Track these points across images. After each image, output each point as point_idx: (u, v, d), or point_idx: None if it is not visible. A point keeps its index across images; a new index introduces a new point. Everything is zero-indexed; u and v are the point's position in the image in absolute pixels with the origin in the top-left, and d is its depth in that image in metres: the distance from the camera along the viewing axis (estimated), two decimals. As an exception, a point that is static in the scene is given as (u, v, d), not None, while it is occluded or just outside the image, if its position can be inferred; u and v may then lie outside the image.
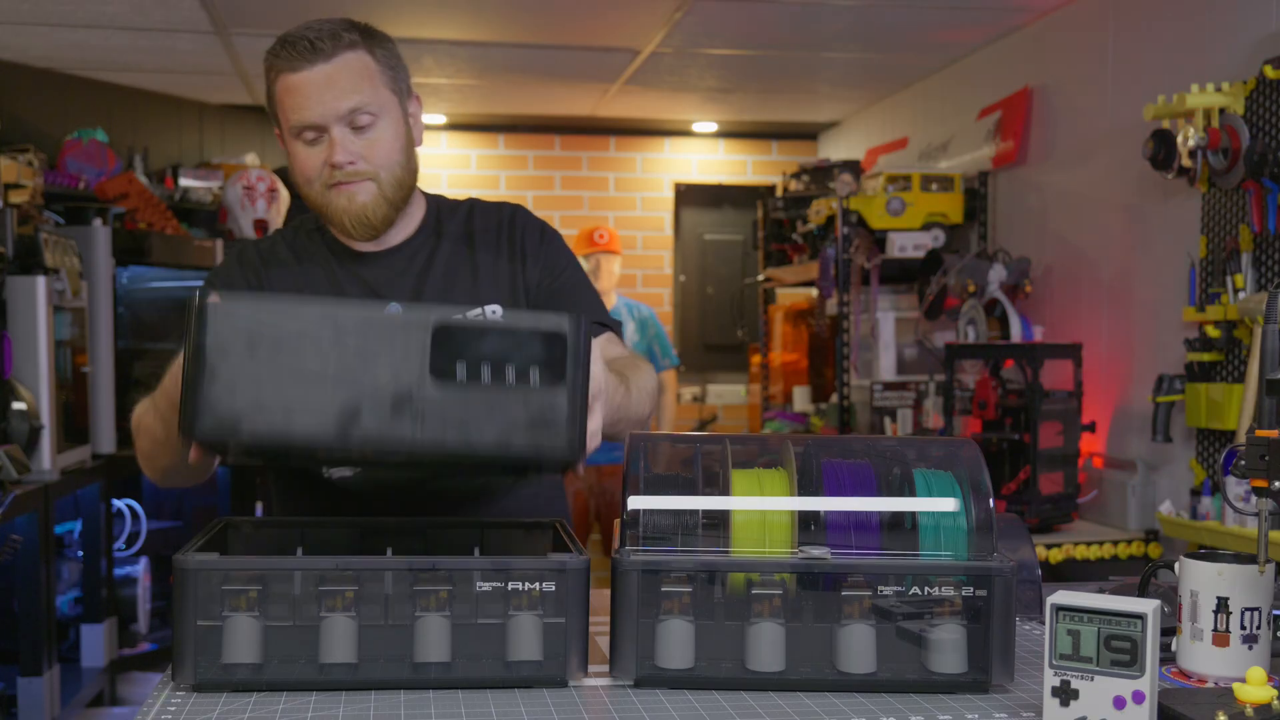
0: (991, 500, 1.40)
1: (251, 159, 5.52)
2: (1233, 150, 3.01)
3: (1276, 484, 1.25)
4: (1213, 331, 3.12)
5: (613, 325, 1.88)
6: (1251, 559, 1.34)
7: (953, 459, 1.45)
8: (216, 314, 1.30)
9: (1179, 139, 3.11)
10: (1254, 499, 1.28)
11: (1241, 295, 3.03)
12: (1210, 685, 1.33)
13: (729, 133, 6.59)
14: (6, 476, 3.36)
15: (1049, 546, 3.34)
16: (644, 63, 4.92)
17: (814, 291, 4.98)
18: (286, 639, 1.34)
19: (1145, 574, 1.55)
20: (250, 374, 1.29)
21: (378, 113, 1.75)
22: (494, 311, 1.40)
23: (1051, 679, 1.19)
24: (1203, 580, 1.35)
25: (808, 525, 1.40)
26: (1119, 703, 1.16)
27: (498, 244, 1.87)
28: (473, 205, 1.93)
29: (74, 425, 4.03)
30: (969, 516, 1.39)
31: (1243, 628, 1.33)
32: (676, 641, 1.37)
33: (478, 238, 1.88)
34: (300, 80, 1.71)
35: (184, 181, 5.09)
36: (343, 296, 1.79)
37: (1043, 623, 1.63)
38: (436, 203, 1.92)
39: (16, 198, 3.75)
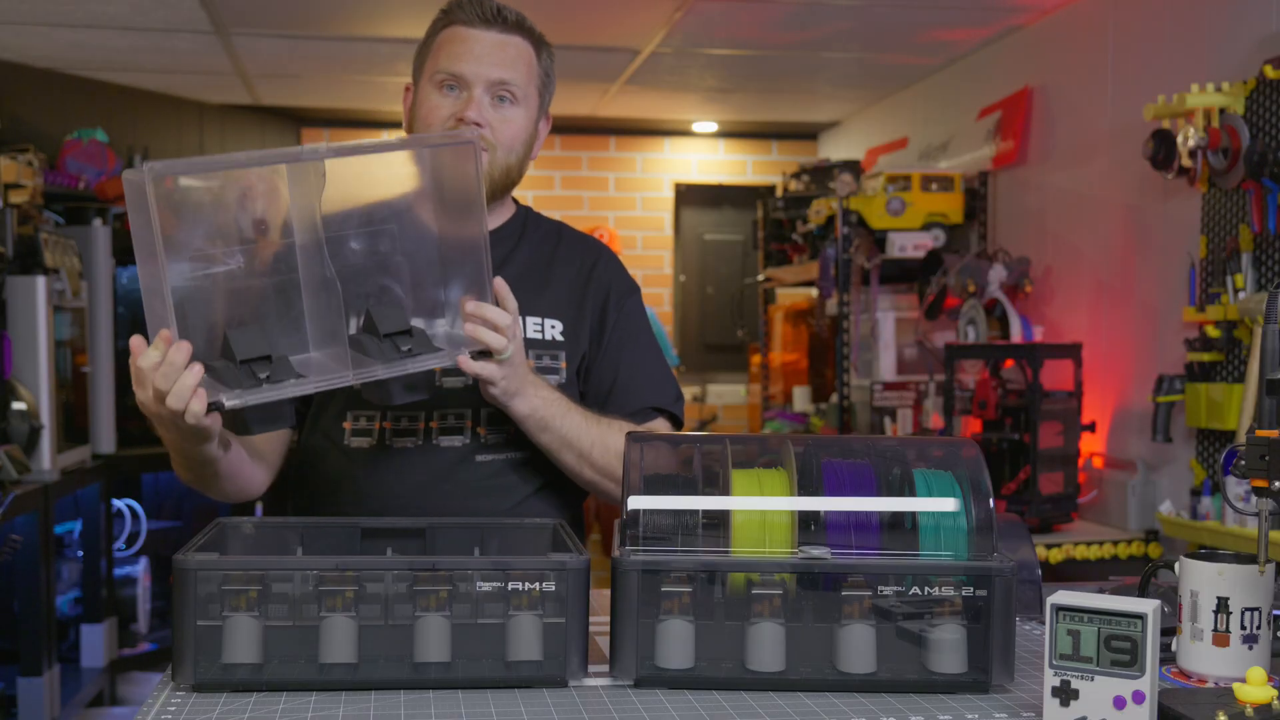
0: (991, 500, 1.40)
1: (251, 159, 5.51)
2: (1233, 150, 3.01)
3: (1276, 484, 1.25)
4: (1213, 331, 3.12)
5: (669, 404, 1.90)
6: (1251, 559, 1.34)
7: (953, 459, 1.45)
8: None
9: (1179, 139, 3.11)
10: (1254, 499, 1.28)
11: (1241, 295, 3.03)
12: (1210, 685, 1.33)
13: (729, 133, 6.58)
14: (6, 476, 3.36)
15: (1049, 546, 3.34)
16: (644, 63, 4.92)
17: (814, 291, 4.98)
18: (286, 639, 1.34)
19: (1145, 574, 1.55)
20: None
21: (520, 99, 1.83)
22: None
23: (1051, 679, 1.19)
24: (1203, 580, 1.35)
25: (808, 525, 1.40)
26: (1119, 703, 1.16)
27: (579, 270, 1.91)
28: (562, 226, 1.99)
29: (74, 425, 4.03)
30: (969, 516, 1.39)
31: (1243, 628, 1.33)
32: (676, 641, 1.37)
33: (560, 255, 1.92)
34: (471, 34, 1.81)
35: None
36: None
37: (1043, 623, 1.63)
38: (526, 211, 1.97)
39: (16, 198, 3.75)
